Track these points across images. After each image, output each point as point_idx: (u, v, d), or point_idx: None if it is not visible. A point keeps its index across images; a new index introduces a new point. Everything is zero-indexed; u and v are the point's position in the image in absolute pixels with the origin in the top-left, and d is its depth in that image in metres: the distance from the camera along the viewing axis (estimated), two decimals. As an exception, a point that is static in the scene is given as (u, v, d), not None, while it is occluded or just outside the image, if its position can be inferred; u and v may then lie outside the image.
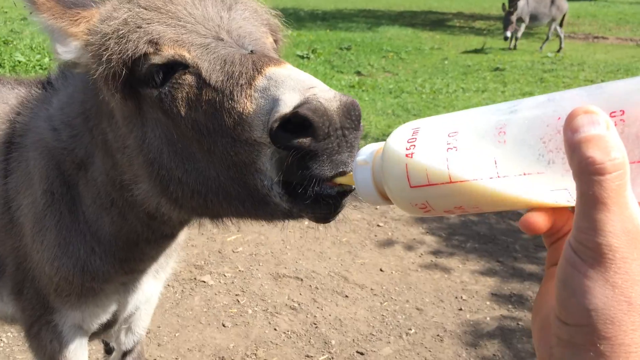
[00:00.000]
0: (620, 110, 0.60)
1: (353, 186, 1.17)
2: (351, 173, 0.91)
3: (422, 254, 5.14)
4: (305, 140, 1.17)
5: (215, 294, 4.42)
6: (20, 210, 1.96)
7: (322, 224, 1.34)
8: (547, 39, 17.02)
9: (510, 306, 4.40)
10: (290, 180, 1.24)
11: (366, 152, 0.85)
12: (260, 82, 1.28)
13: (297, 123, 1.17)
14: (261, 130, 1.25)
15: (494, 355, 3.86)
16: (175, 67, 1.38)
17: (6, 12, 16.24)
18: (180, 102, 1.37)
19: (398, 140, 0.77)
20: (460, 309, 4.34)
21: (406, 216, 5.85)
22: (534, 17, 16.75)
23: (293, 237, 5.30)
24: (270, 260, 4.92)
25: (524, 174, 0.66)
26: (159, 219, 1.72)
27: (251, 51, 1.37)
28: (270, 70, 1.28)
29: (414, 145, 0.74)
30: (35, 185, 1.90)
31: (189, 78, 1.37)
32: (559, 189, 0.65)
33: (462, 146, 0.71)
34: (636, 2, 33.95)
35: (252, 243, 5.18)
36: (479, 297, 4.50)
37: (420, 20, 23.18)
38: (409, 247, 5.24)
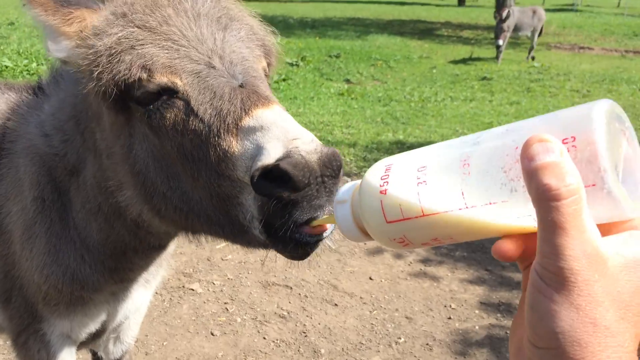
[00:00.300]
0: (572, 137, 0.62)
1: (333, 225, 1.26)
2: (332, 212, 0.95)
3: (411, 263, 5.15)
4: (286, 193, 1.22)
5: (204, 302, 4.39)
6: (9, 217, 1.93)
7: (294, 260, 1.39)
8: (533, 47, 17.20)
9: (498, 315, 4.42)
10: (271, 222, 1.28)
11: (345, 190, 0.88)
12: (246, 123, 1.31)
13: (278, 174, 1.21)
14: (244, 172, 1.29)
15: (483, 364, 3.87)
16: (167, 91, 1.39)
17: (-7, 16, 16.11)
18: (168, 123, 1.39)
19: (373, 177, 0.80)
20: (449, 318, 4.35)
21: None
22: (517, 28, 16.93)
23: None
24: (260, 268, 4.90)
25: (490, 204, 0.68)
26: (144, 228, 1.71)
27: (241, 84, 1.39)
28: (258, 113, 1.31)
29: (387, 182, 0.77)
30: (25, 192, 1.88)
31: (178, 102, 1.39)
32: (524, 216, 0.67)
33: (430, 180, 0.73)
34: (620, 14, 34.46)
35: (241, 251, 5.15)
36: (468, 306, 4.52)
37: (409, 29, 23.33)
38: (398, 256, 5.25)
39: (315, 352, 3.90)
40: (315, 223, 1.24)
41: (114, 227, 1.77)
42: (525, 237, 0.72)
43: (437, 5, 40.74)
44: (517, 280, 4.91)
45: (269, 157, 1.23)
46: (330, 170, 1.25)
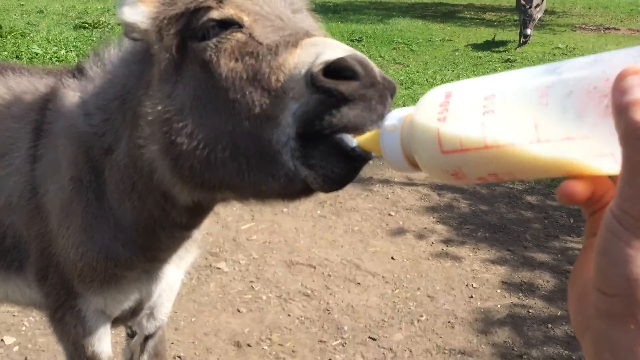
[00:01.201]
0: None
1: (373, 154, 1.12)
2: (377, 136, 0.86)
3: (433, 243, 5.20)
4: (353, 84, 1.18)
5: (230, 281, 4.52)
6: (47, 196, 2.00)
7: (325, 192, 1.32)
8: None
9: (520, 294, 4.46)
10: (312, 129, 1.25)
11: (395, 116, 0.82)
12: (307, 41, 1.33)
13: (339, 70, 1.19)
14: (296, 81, 1.28)
15: (504, 342, 3.93)
16: (230, 25, 1.44)
17: (22, 5, 16.39)
18: (223, 53, 1.42)
19: (429, 104, 0.73)
20: (471, 297, 4.41)
21: (417, 205, 5.91)
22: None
23: (306, 225, 5.38)
24: (284, 248, 5.01)
25: (568, 138, 0.62)
26: (169, 200, 1.75)
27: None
28: (319, 37, 1.35)
29: (447, 110, 0.70)
30: (63, 172, 1.95)
31: (239, 35, 1.42)
32: (605, 155, 0.61)
33: (499, 109, 0.67)
34: (650, -7, 33.54)
35: (266, 231, 5.27)
36: (490, 285, 4.56)
37: (431, 12, 23.07)
38: (420, 236, 5.31)
39: (338, 329, 4.00)
40: (358, 139, 1.10)
41: (145, 204, 1.83)
42: (595, 181, 0.67)
43: (460, -13, 40.07)
44: (539, 261, 4.94)
45: (332, 55, 1.22)
46: (389, 84, 1.23)
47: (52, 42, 11.28)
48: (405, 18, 20.18)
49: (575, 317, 0.68)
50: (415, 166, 0.79)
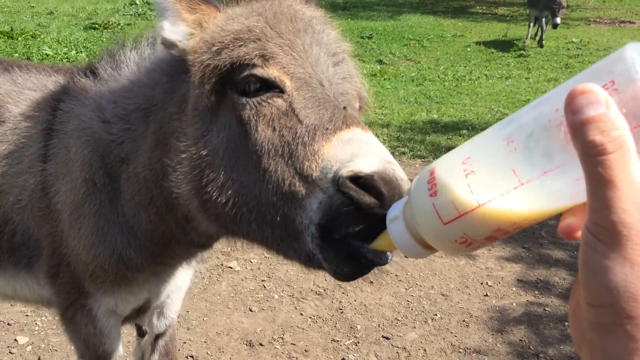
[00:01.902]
0: (611, 81, 0.61)
1: (389, 257, 1.21)
2: (387, 232, 0.91)
3: (446, 241, 5.14)
4: (372, 200, 1.19)
5: (242, 280, 4.49)
6: (58, 196, 1.98)
7: (338, 280, 1.35)
8: (543, 31, 15.09)
9: (536, 292, 4.39)
10: (333, 227, 1.26)
11: (394, 207, 0.87)
12: (345, 134, 1.33)
13: (366, 186, 1.20)
14: (325, 175, 1.29)
15: (520, 340, 3.86)
16: (271, 87, 1.44)
17: (33, 7, 16.51)
18: (262, 118, 1.43)
19: (419, 185, 0.78)
20: (486, 295, 4.34)
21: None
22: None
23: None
24: (296, 246, 4.97)
25: (545, 173, 0.66)
26: (192, 222, 1.75)
27: (344, 107, 1.43)
28: (357, 131, 1.34)
29: (435, 184, 0.75)
30: (75, 173, 1.93)
31: (279, 102, 1.43)
32: (583, 177, 0.64)
33: (478, 168, 0.71)
34: (665, -14, 33.07)
35: (277, 230, 5.23)
36: (505, 283, 4.50)
37: (442, 8, 22.93)
38: (425, 257, 5.24)
39: (351, 327, 3.95)
40: (373, 246, 1.15)
41: (164, 220, 1.82)
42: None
43: (471, -17, 39.79)
44: (555, 258, 4.86)
45: (364, 166, 1.23)
46: None
47: (62, 43, 11.35)
48: (415, 14, 20.06)
49: (573, 329, 0.69)
50: (427, 247, 0.82)
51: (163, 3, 1.59)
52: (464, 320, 4.05)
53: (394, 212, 0.86)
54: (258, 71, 1.44)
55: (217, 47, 1.48)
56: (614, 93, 0.60)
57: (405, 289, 4.42)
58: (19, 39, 11.28)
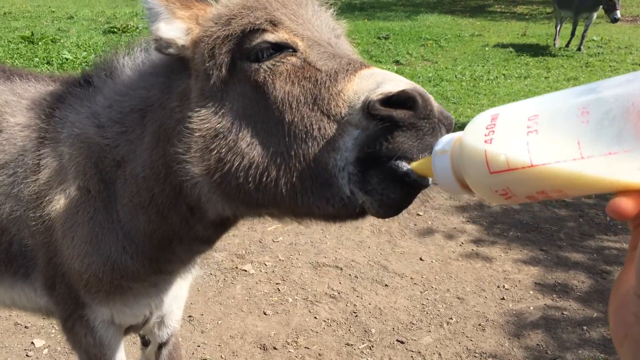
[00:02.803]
0: None
1: (429, 179, 1.19)
2: (430, 161, 0.91)
3: (462, 243, 5.08)
4: (406, 112, 1.22)
5: (257, 283, 4.49)
6: (51, 205, 1.97)
7: (381, 217, 1.31)
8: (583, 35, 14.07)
9: (554, 296, 4.32)
10: (371, 154, 1.26)
11: (444, 141, 0.86)
12: (366, 72, 1.36)
13: (400, 101, 1.23)
14: (355, 109, 1.31)
15: (537, 345, 3.80)
16: (284, 49, 1.46)
17: (53, 12, 16.76)
18: (279, 76, 1.44)
19: (476, 127, 0.77)
20: (503, 299, 4.28)
21: (446, 205, 5.79)
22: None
23: (332, 226, 5.32)
24: (310, 249, 4.96)
25: (610, 154, 0.64)
26: (197, 213, 1.73)
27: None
28: (375, 69, 1.38)
29: (493, 131, 0.74)
30: (69, 181, 1.91)
31: (294, 59, 1.45)
32: None
33: (543, 129, 0.70)
34: (689, -19, 32.38)
35: (292, 232, 5.23)
36: (522, 287, 4.43)
37: (460, 7, 22.75)
38: (450, 236, 5.19)
39: (366, 331, 3.93)
40: (412, 165, 1.17)
41: (166, 219, 1.80)
42: None
43: (490, -19, 39.44)
44: (573, 261, 4.77)
45: (394, 87, 1.26)
46: (445, 120, 1.26)
47: (82, 47, 11.49)
48: (433, 14, 19.94)
49: (614, 326, 0.67)
50: (466, 187, 0.82)
51: (154, 7, 1.59)
52: (480, 324, 4.00)
53: (442, 145, 0.85)
54: (269, 36, 1.46)
55: (226, 18, 1.51)
56: None
57: (421, 292, 4.38)
58: (40, 43, 11.45)
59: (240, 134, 1.47)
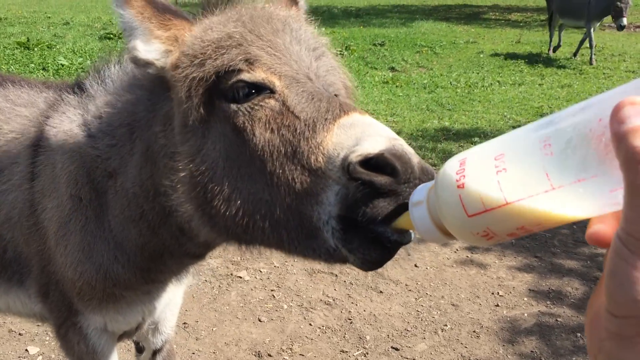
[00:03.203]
0: None
1: (412, 235, 1.20)
2: (408, 214, 0.92)
3: (457, 250, 5.10)
4: (385, 178, 1.19)
5: (251, 289, 4.49)
6: (44, 213, 1.98)
7: (365, 271, 1.33)
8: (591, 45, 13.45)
9: (548, 302, 4.33)
10: (352, 216, 1.24)
11: (419, 191, 0.87)
12: (345, 120, 1.32)
13: (378, 165, 1.20)
14: (335, 165, 1.27)
15: (531, 352, 3.81)
16: (261, 90, 1.42)
17: (49, 17, 16.75)
18: (257, 122, 1.41)
19: (447, 174, 0.78)
20: (497, 305, 4.30)
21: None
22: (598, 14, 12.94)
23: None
24: (305, 256, 4.96)
25: (579, 181, 0.65)
26: (188, 235, 1.73)
27: (336, 95, 1.43)
28: (356, 115, 1.33)
29: (464, 176, 0.75)
30: (61, 189, 1.92)
31: (272, 102, 1.41)
32: (617, 188, 0.64)
33: (510, 166, 0.71)
34: (682, -11, 32.66)
35: (287, 239, 5.23)
36: (516, 293, 4.45)
37: (455, 14, 22.87)
38: (444, 243, 5.21)
39: (360, 338, 3.93)
40: (394, 225, 1.17)
41: (157, 234, 1.80)
42: (618, 215, 0.69)
43: (485, -11, 39.68)
44: (568, 268, 4.79)
45: (371, 147, 1.22)
46: (426, 178, 1.22)
47: (77, 53, 11.49)
48: (428, 21, 20.03)
49: (589, 340, 0.68)
50: (447, 234, 0.82)
51: (130, 22, 1.55)
52: (474, 331, 4.01)
53: (418, 196, 0.87)
54: (245, 76, 1.42)
55: (200, 59, 1.46)
56: None
57: (415, 299, 4.39)
58: (35, 49, 11.44)
59: (225, 178, 1.46)
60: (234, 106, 1.43)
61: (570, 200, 0.67)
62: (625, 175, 0.58)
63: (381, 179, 1.19)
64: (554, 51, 14.14)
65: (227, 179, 1.45)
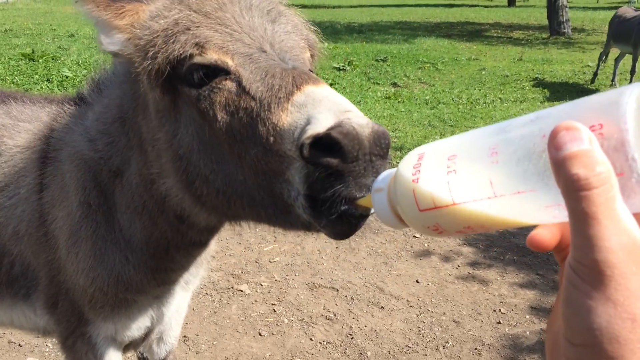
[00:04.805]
0: (599, 124, 0.60)
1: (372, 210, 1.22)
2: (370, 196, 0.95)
3: (459, 266, 5.08)
4: (334, 161, 1.20)
5: (252, 303, 4.47)
6: (55, 223, 2.00)
7: (337, 240, 1.36)
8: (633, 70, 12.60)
9: (550, 320, 4.31)
10: (315, 195, 1.26)
11: (382, 178, 0.89)
12: (298, 97, 1.31)
13: (328, 144, 1.20)
14: (292, 144, 1.28)
15: (533, 369, 3.78)
16: (217, 71, 1.42)
17: (54, 30, 16.87)
18: (218, 106, 1.42)
19: (406, 166, 0.81)
20: (499, 322, 4.27)
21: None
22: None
23: (329, 247, 5.32)
24: (306, 270, 4.95)
25: (518, 192, 0.67)
26: (186, 221, 1.75)
27: (292, 67, 1.41)
28: (309, 88, 1.32)
29: (419, 171, 0.78)
30: (71, 198, 1.94)
31: (229, 84, 1.41)
32: (552, 205, 0.65)
33: (460, 169, 0.73)
34: (682, 9, 32.90)
35: (289, 253, 5.22)
36: (518, 311, 4.42)
37: (457, 31, 23.03)
38: (446, 259, 5.19)
39: (361, 354, 3.91)
40: (358, 202, 1.21)
41: (157, 224, 1.82)
42: (562, 226, 0.70)
43: (486, 7, 40.01)
44: (569, 285, 4.77)
45: (320, 125, 1.22)
46: (379, 149, 1.22)
47: (82, 65, 11.55)
48: (430, 37, 20.16)
49: None
50: (403, 222, 0.85)
51: (90, 17, 1.57)
52: (476, 348, 3.98)
53: (380, 183, 0.89)
54: (197, 59, 1.42)
55: (151, 52, 1.46)
56: (599, 137, 0.59)
57: (417, 314, 4.36)
58: (40, 61, 11.50)
59: (201, 160, 1.49)
60: (194, 91, 1.44)
61: (511, 208, 0.69)
62: (567, 202, 0.59)
63: (330, 161, 1.20)
64: (592, 82, 13.43)
65: (203, 161, 1.49)
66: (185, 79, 1.45)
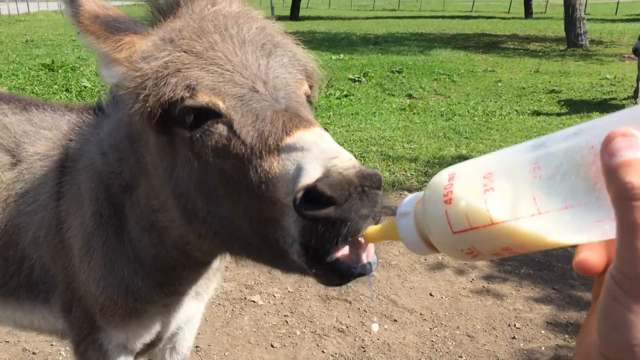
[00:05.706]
0: None
1: (373, 263, 1.23)
2: (392, 223, 0.91)
3: (473, 279, 5.03)
4: (328, 211, 1.18)
5: (265, 314, 4.46)
6: (70, 231, 2.03)
7: (328, 287, 1.36)
8: None
9: (566, 336, 4.24)
10: (310, 244, 1.25)
11: (407, 202, 0.86)
12: (287, 143, 1.29)
13: (318, 196, 1.19)
14: (285, 194, 1.27)
15: (549, 386, 3.72)
16: (209, 114, 1.40)
17: (74, 40, 17.15)
18: (210, 149, 1.40)
19: (436, 187, 0.78)
20: (514, 338, 4.22)
21: (457, 240, 5.75)
22: None
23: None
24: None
25: (566, 208, 0.64)
26: (190, 247, 1.76)
27: (283, 108, 1.39)
28: (299, 134, 1.30)
29: (452, 191, 0.74)
30: (85, 207, 1.98)
31: (220, 127, 1.39)
32: (605, 219, 0.62)
33: (498, 186, 0.70)
34: (703, 21, 32.50)
35: (302, 264, 5.20)
36: (534, 326, 4.36)
37: (474, 43, 22.99)
38: (460, 272, 5.15)
39: (374, 367, 3.87)
40: (365, 234, 1.12)
41: (164, 244, 1.84)
42: (608, 247, 0.66)
43: (503, 18, 39.91)
44: (587, 300, 4.70)
45: (309, 177, 1.21)
46: (370, 182, 1.20)
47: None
48: (446, 49, 20.14)
49: None
50: (432, 247, 0.82)
51: (93, 49, 1.59)
52: (490, 364, 3.93)
53: (406, 207, 0.86)
54: (189, 102, 1.40)
55: (143, 95, 1.44)
56: None
57: (430, 328, 4.32)
58: (59, 71, 11.70)
59: (199, 201, 1.49)
60: (187, 133, 1.43)
61: (557, 226, 0.66)
62: (616, 211, 0.56)
63: (324, 212, 1.18)
64: (635, 97, 12.64)
65: (200, 202, 1.49)
66: (179, 120, 1.43)
